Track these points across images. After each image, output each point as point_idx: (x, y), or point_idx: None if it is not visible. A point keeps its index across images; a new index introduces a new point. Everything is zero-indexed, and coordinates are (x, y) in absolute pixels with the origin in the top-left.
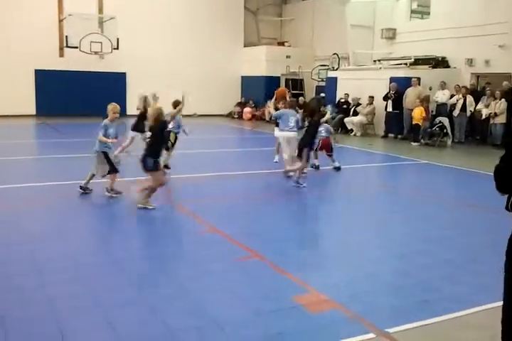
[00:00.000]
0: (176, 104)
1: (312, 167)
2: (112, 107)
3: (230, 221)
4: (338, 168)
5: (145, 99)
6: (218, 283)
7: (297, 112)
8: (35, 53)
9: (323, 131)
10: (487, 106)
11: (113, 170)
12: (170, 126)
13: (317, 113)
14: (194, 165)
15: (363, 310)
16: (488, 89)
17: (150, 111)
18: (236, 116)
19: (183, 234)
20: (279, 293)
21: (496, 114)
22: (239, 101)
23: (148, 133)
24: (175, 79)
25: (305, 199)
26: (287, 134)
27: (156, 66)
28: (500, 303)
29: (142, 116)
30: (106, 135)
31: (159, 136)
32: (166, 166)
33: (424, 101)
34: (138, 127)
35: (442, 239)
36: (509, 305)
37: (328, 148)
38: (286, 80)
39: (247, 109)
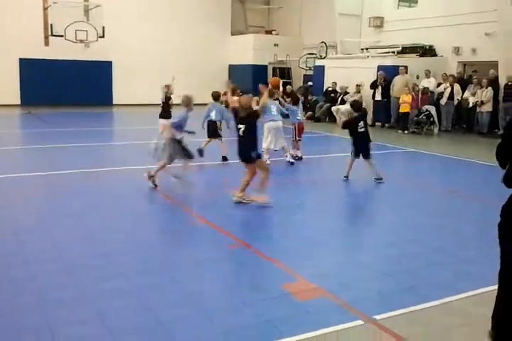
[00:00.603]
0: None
1: (295, 158)
2: (191, 99)
3: (218, 211)
4: (300, 158)
5: (168, 88)
6: (208, 273)
7: (285, 101)
8: (20, 42)
9: (299, 113)
10: (474, 94)
11: (188, 155)
12: (214, 116)
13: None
14: None
15: (352, 298)
16: (474, 77)
17: (242, 100)
18: (224, 105)
19: (172, 225)
20: (268, 282)
21: (482, 102)
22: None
23: (241, 125)
24: (162, 67)
25: (292, 188)
26: (274, 124)
27: (142, 54)
28: (484, 289)
29: (166, 104)
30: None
31: (255, 125)
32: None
33: (413, 89)
34: (165, 115)
35: (431, 226)
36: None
37: (301, 132)
38: (274, 69)
39: (234, 98)
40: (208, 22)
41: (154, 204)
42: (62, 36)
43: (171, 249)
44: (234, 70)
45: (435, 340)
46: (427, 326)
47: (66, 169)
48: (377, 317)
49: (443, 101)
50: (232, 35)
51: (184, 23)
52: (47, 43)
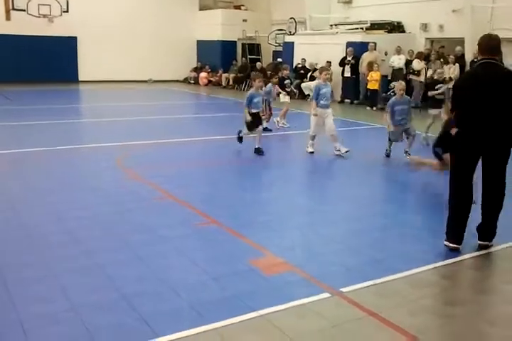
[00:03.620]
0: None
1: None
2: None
3: (185, 187)
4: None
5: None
6: (174, 249)
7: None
8: None
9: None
10: (435, 71)
11: None
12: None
13: None
14: (150, 132)
15: (318, 271)
16: (432, 53)
17: None
18: (192, 82)
19: (138, 201)
20: (235, 257)
21: (450, 79)
22: (195, 66)
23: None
24: (128, 43)
25: (259, 164)
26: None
27: (108, 30)
28: (450, 261)
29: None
30: None
31: None
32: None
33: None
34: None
35: (397, 200)
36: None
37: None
38: (243, 45)
39: (203, 74)
40: None
41: (121, 181)
42: (24, 11)
43: (137, 226)
44: (202, 46)
45: (402, 312)
46: (394, 298)
47: (32, 147)
48: (344, 289)
49: (421, 78)
50: (200, 10)
51: None
52: (8, 18)
